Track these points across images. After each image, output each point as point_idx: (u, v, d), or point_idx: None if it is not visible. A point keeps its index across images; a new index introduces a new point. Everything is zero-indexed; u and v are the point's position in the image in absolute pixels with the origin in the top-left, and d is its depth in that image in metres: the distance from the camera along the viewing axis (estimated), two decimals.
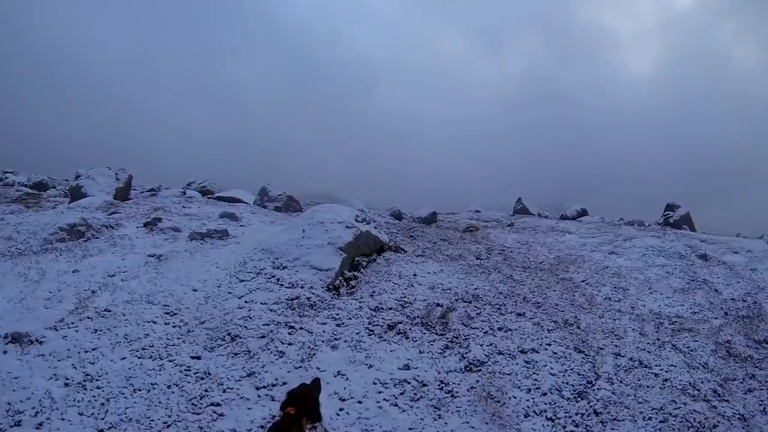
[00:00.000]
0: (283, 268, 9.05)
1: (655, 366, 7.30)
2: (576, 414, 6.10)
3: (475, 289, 9.40)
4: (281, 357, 6.50)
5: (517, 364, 7.00)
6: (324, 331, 7.20)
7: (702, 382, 6.96)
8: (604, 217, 19.80)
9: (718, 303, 9.60)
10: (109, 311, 7.35)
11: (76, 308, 7.41)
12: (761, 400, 6.71)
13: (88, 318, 7.13)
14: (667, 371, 7.17)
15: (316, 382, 5.07)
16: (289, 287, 8.39)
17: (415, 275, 9.67)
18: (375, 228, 11.55)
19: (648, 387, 6.77)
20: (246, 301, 7.84)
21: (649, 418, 6.15)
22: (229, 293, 8.13)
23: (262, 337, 6.89)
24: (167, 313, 7.42)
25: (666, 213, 19.47)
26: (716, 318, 9.02)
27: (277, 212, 16.79)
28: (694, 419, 6.17)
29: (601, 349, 7.69)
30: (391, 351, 6.96)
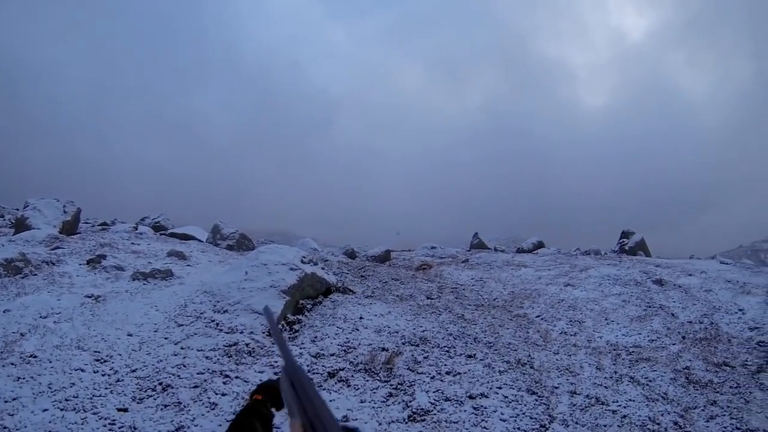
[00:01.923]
0: (224, 311, 8.95)
1: (613, 402, 7.33)
2: None
3: (424, 331, 9.32)
4: (213, 409, 6.37)
5: (464, 411, 6.87)
6: (260, 380, 7.01)
7: (662, 415, 7.02)
8: (561, 249, 20.29)
9: (675, 327, 9.86)
10: (35, 357, 7.12)
11: (1, 353, 7.19)
12: (724, 427, 6.81)
13: (12, 364, 6.88)
14: (625, 407, 7.21)
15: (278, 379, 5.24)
16: (228, 332, 8.29)
17: (361, 318, 9.57)
18: (322, 269, 11.53)
19: (605, 426, 6.75)
20: (182, 348, 7.75)
21: None
22: (166, 339, 8.00)
23: (195, 386, 6.77)
24: (97, 360, 7.21)
25: (621, 240, 20.16)
26: (674, 344, 9.23)
27: (229, 251, 16.84)
28: None
29: (556, 388, 7.67)
30: (330, 401, 6.81)
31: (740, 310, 10.84)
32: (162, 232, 19.01)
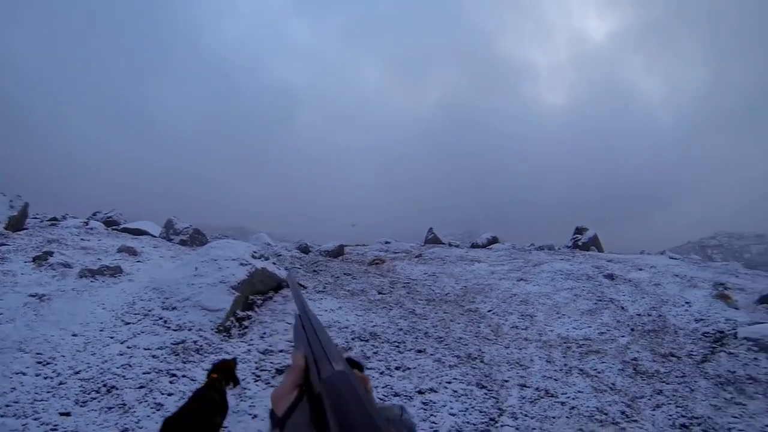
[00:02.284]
0: (173, 308, 8.77)
1: (562, 394, 7.37)
2: None
3: (374, 326, 9.24)
4: (159, 410, 6.19)
5: (413, 406, 6.78)
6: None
7: (610, 405, 7.10)
8: (515, 244, 20.57)
9: (624, 320, 10.06)
10: None
11: None
12: (669, 415, 6.94)
13: None
14: (574, 398, 7.26)
15: (234, 359, 6.10)
16: (176, 330, 8.11)
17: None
18: (273, 264, 11.41)
19: (554, 418, 6.78)
20: (128, 347, 7.52)
21: None
22: (111, 338, 7.72)
23: (141, 387, 6.58)
24: (39, 363, 6.87)
25: (575, 236, 20.59)
26: (623, 336, 9.41)
27: (181, 246, 16.55)
28: None
29: (506, 381, 7.68)
30: None
31: (687, 302, 11.17)
32: (114, 227, 18.62)
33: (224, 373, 5.68)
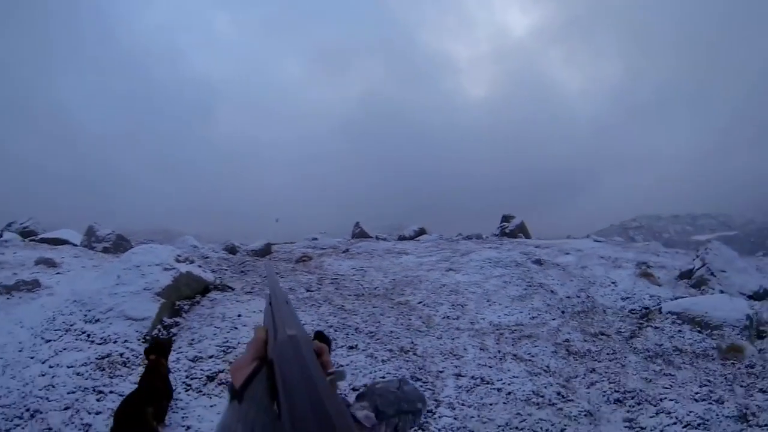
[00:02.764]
0: (96, 321, 8.35)
1: (497, 380, 7.36)
2: None
3: (303, 325, 8.94)
4: (87, 430, 6.01)
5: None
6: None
7: (545, 387, 7.16)
8: (443, 234, 20.76)
9: (554, 303, 10.26)
10: None
11: None
12: (604, 392, 7.10)
13: None
14: (509, 384, 7.27)
15: (169, 338, 6.68)
16: (100, 343, 7.76)
17: (239, 316, 9.06)
18: (199, 267, 11.06)
19: (491, 405, 6.75)
20: (50, 366, 7.17)
21: None
22: (32, 358, 7.34)
23: (66, 408, 6.31)
24: None
25: (502, 224, 21.06)
26: (554, 319, 9.58)
27: (104, 254, 15.73)
28: (542, 428, 6.25)
29: (441, 372, 7.59)
30: (211, 406, 6.59)
31: (613, 282, 11.59)
32: (32, 237, 17.83)
33: (161, 351, 6.00)
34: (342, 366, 7.65)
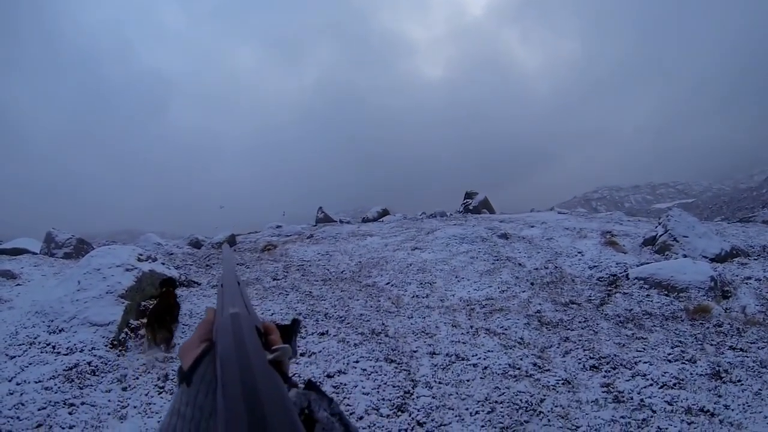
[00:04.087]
0: (60, 331, 8.12)
1: (473, 356, 7.41)
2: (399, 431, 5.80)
3: (272, 314, 8.91)
4: None
5: (325, 391, 6.50)
6: (110, 401, 6.60)
7: (521, 359, 7.25)
8: (406, 214, 20.81)
9: (523, 276, 10.41)
10: None
11: None
12: (579, 359, 7.23)
13: None
14: (485, 358, 7.32)
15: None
16: (66, 354, 7.54)
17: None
18: (162, 264, 10.89)
19: (468, 381, 6.78)
20: (17, 383, 6.91)
21: (476, 413, 6.10)
22: None
23: (39, 426, 6.12)
24: None
25: (465, 201, 21.23)
26: (524, 291, 9.71)
27: (65, 260, 15.42)
28: (521, 400, 6.30)
29: (415, 352, 7.58)
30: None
31: (579, 252, 11.83)
32: None
33: (172, 284, 8.37)
34: (314, 353, 7.57)
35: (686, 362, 6.98)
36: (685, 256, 11.21)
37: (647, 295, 9.32)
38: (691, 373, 6.68)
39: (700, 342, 7.59)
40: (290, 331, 1.06)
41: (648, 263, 10.77)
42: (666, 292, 9.34)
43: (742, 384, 6.43)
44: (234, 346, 0.74)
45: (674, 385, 6.46)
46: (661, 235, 12.23)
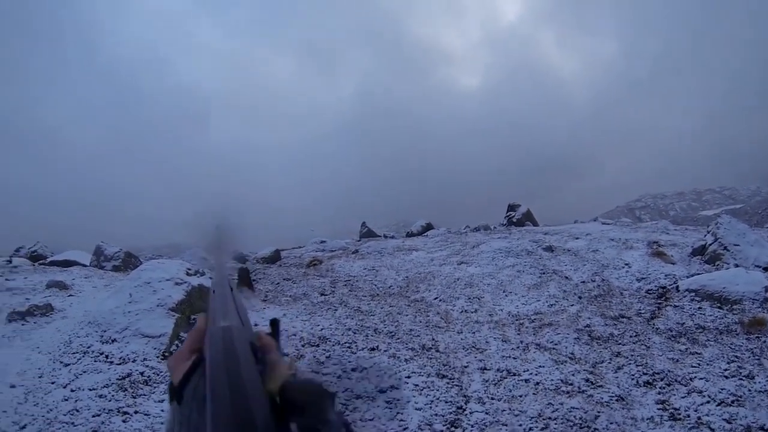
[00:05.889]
0: (113, 341, 8.38)
1: (524, 371, 7.42)
2: None
3: (322, 329, 9.01)
4: None
5: (378, 406, 6.61)
6: (163, 410, 6.69)
7: (573, 375, 7.22)
8: (450, 228, 20.83)
9: (570, 289, 10.33)
10: None
11: None
12: (632, 375, 7.16)
13: None
14: (536, 374, 7.33)
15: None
16: (120, 363, 7.75)
17: (255, 325, 9.04)
18: (210, 279, 11.07)
19: (521, 396, 6.80)
20: (72, 390, 7.10)
21: (530, 429, 6.13)
22: (53, 383, 7.27)
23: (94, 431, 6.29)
24: None
25: (508, 213, 21.13)
26: (572, 305, 9.64)
27: (115, 272, 15.92)
28: (575, 416, 6.29)
29: (466, 367, 7.64)
30: None
31: (626, 264, 11.65)
32: (41, 261, 18.06)
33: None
34: (365, 369, 7.69)
35: (744, 378, 6.83)
36: (737, 265, 10.90)
37: (699, 307, 9.13)
38: (750, 390, 6.54)
39: (757, 357, 7.40)
40: (272, 335, 1.01)
41: (698, 274, 10.54)
42: (719, 305, 9.12)
43: None
44: (225, 365, 0.70)
45: (732, 402, 6.34)
46: (710, 244, 11.92)
